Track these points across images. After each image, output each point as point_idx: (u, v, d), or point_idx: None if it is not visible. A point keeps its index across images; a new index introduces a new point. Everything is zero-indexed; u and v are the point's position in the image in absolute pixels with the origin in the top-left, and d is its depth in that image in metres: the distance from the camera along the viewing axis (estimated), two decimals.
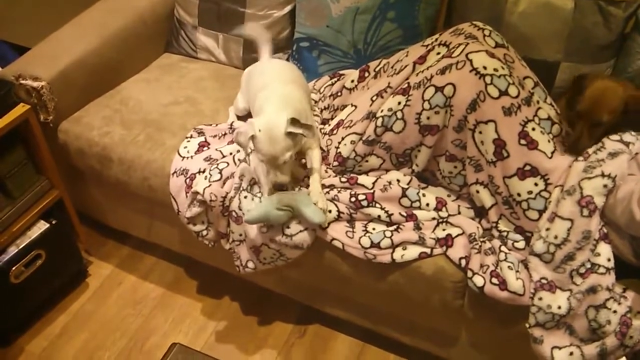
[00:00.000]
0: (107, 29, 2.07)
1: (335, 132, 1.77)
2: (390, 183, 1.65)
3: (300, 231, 1.61)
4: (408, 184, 1.67)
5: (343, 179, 1.69)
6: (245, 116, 1.88)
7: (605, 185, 1.42)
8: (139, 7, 2.18)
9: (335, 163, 1.72)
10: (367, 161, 1.70)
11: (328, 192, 1.66)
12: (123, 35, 2.10)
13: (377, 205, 1.62)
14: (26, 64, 1.94)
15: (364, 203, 1.62)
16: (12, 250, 1.87)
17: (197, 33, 2.19)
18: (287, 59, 2.12)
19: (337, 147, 1.72)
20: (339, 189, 1.67)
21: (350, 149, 1.69)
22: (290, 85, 1.73)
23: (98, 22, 2.09)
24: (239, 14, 2.09)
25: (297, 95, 1.69)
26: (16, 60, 1.99)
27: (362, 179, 1.68)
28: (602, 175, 1.42)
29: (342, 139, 1.70)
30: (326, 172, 1.74)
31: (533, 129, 1.50)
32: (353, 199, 1.63)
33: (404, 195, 1.62)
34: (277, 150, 1.52)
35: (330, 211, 1.61)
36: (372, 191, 1.64)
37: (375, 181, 1.66)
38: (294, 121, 1.52)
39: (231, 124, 1.91)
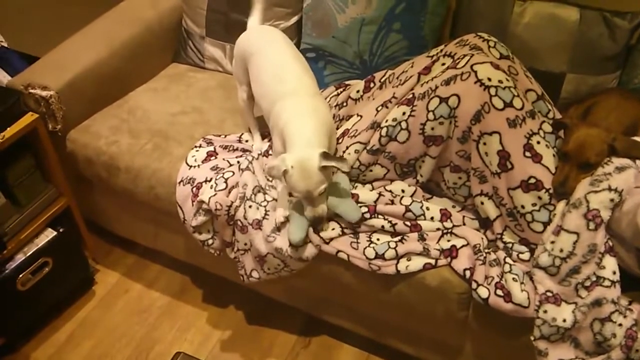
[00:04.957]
0: (115, 39, 2.09)
1: (340, 141, 1.77)
2: (392, 201, 1.65)
3: (306, 244, 1.61)
4: (412, 194, 1.67)
5: None
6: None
7: (612, 200, 1.41)
8: (147, 17, 2.20)
9: None
10: (371, 170, 1.70)
11: None
12: (131, 45, 2.12)
13: (380, 216, 1.62)
14: (35, 73, 1.97)
15: (367, 215, 1.62)
16: (20, 258, 1.89)
17: (205, 43, 2.21)
18: None
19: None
20: None
21: (354, 158, 1.69)
22: (315, 96, 1.70)
23: (106, 32, 2.12)
24: (246, 24, 2.10)
25: (324, 110, 1.68)
26: (25, 69, 2.01)
27: (364, 196, 1.66)
28: (609, 189, 1.41)
29: (347, 148, 1.71)
30: None
31: (538, 142, 1.50)
32: None
33: (407, 211, 1.62)
34: (312, 185, 1.52)
35: (333, 229, 1.62)
36: (374, 204, 1.64)
37: (378, 199, 1.65)
38: (325, 155, 1.52)
39: (240, 136, 1.92)
